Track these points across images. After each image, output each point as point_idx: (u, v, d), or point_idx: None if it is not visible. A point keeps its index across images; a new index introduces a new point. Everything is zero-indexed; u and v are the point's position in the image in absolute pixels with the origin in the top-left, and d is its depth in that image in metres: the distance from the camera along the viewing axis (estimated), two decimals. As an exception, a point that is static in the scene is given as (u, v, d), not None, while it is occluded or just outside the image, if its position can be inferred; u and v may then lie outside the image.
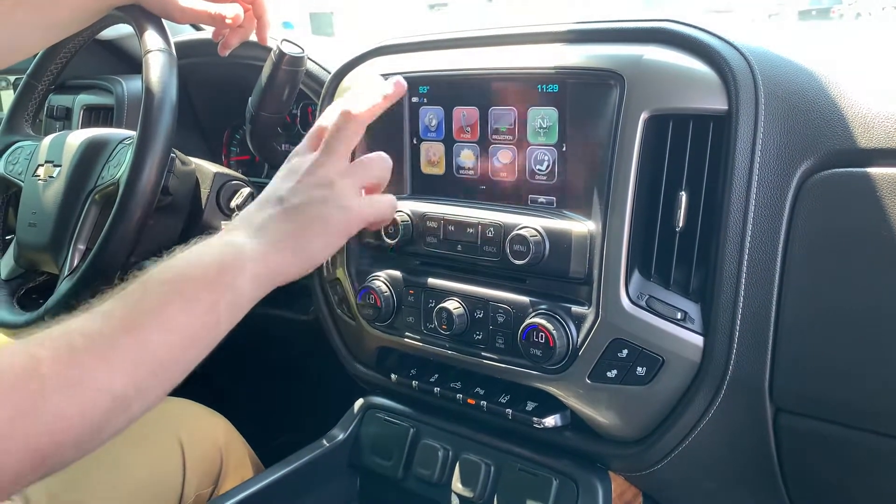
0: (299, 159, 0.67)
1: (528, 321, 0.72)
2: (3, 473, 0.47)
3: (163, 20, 0.89)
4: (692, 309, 0.67)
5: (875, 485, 0.66)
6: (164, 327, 0.54)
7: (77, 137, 0.95)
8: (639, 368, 0.68)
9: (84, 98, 1.31)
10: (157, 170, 0.82)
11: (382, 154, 0.71)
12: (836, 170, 0.60)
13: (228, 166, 1.32)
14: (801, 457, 0.67)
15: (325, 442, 0.90)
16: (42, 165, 0.97)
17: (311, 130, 0.70)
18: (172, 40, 0.88)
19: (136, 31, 0.89)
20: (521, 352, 0.73)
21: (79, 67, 1.26)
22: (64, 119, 1.33)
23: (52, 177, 0.94)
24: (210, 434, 0.96)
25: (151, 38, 0.87)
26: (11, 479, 0.48)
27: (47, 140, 0.99)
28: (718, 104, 0.64)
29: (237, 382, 1.41)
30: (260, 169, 1.26)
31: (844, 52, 0.73)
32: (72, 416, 0.49)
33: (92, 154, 0.92)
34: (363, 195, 0.68)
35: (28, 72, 1.08)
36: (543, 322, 0.71)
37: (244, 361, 1.43)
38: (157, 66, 0.84)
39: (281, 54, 0.91)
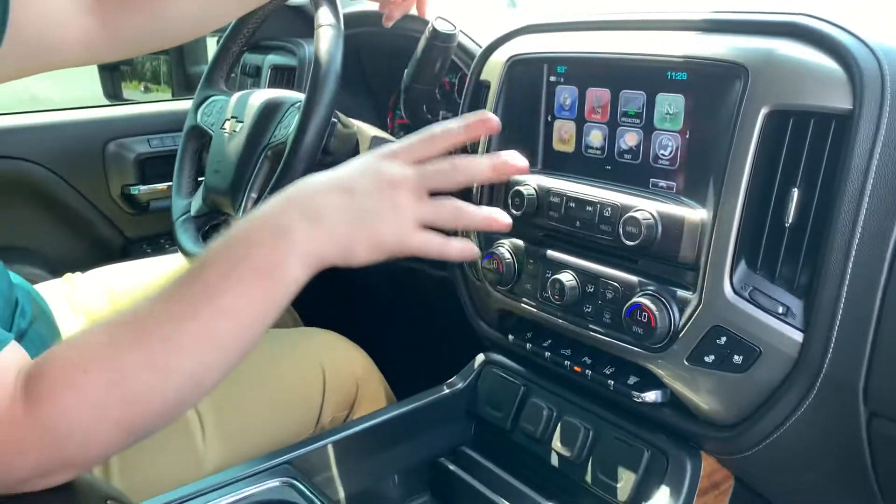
0: (386, 164, 0.63)
1: (633, 300, 0.76)
2: (95, 444, 0.57)
3: None
4: (795, 304, 0.68)
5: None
6: (226, 314, 0.58)
7: (258, 98, 1.08)
8: (736, 356, 0.70)
9: (272, 58, 1.46)
10: (318, 133, 0.93)
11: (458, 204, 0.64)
12: (959, 179, 0.58)
13: (392, 129, 1.43)
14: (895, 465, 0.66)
15: (445, 388, 0.99)
16: (228, 120, 1.11)
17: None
18: (342, 13, 0.98)
19: (312, 6, 1.00)
20: (624, 328, 0.77)
21: (271, 29, 1.40)
22: (255, 77, 1.49)
23: (235, 131, 1.09)
24: (350, 365, 1.08)
25: (324, 13, 0.97)
26: (101, 449, 0.58)
27: (235, 97, 1.14)
28: (842, 103, 0.63)
29: (381, 323, 1.55)
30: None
31: None
32: (151, 395, 0.57)
33: (268, 114, 1.05)
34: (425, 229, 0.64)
35: (225, 34, 1.24)
36: (647, 302, 0.75)
37: (389, 306, 1.57)
38: (327, 40, 0.95)
39: (434, 31, 0.98)
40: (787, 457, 0.73)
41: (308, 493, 0.79)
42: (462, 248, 0.66)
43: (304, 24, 1.55)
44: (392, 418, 0.93)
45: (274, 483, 0.80)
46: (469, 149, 0.98)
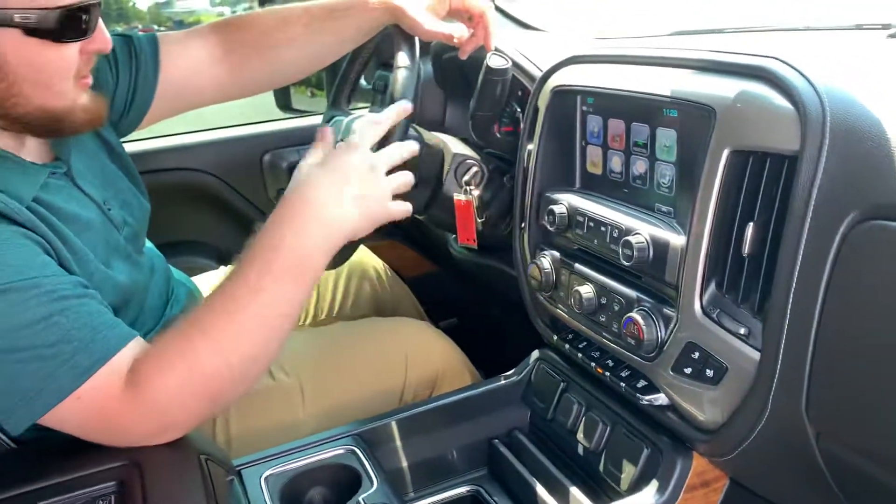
0: (358, 156, 0.93)
1: (628, 314, 0.85)
2: (188, 412, 0.79)
3: (415, 38, 1.14)
4: (757, 327, 0.74)
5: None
6: (267, 306, 0.80)
7: (357, 125, 1.26)
8: (708, 370, 0.78)
9: (396, 75, 1.64)
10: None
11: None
12: (879, 221, 0.62)
13: (498, 135, 1.55)
14: (849, 481, 0.71)
15: (502, 379, 1.13)
16: (340, 141, 1.31)
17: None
18: (418, 55, 1.13)
19: (394, 47, 1.16)
20: (622, 338, 0.87)
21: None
22: (383, 93, 1.68)
23: (342, 152, 1.28)
24: (431, 350, 1.25)
25: (401, 56, 1.12)
26: (194, 415, 0.80)
27: (344, 121, 1.33)
28: (791, 145, 0.68)
29: (473, 313, 1.73)
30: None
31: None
32: (221, 372, 0.78)
33: (360, 140, 1.22)
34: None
35: (345, 62, 1.44)
36: (638, 317, 0.84)
37: (479, 298, 1.74)
38: (400, 80, 1.10)
39: (488, 68, 1.10)
40: (762, 461, 0.79)
41: (365, 460, 0.97)
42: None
43: (426, 42, 1.72)
44: (451, 402, 1.09)
45: (340, 451, 0.99)
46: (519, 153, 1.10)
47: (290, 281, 0.81)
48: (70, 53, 0.82)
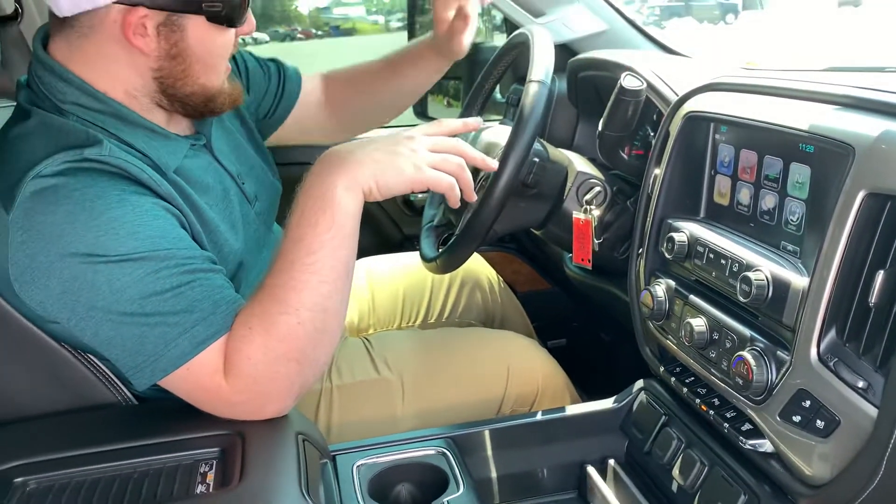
0: (404, 132, 0.93)
1: (739, 352, 0.82)
2: (279, 377, 0.83)
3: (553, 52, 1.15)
4: (878, 382, 0.69)
5: None
6: (311, 250, 0.82)
7: (486, 136, 1.29)
8: (818, 421, 0.73)
9: (530, 91, 1.65)
10: (513, 171, 1.09)
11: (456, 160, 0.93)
12: None
13: (626, 157, 1.53)
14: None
15: (602, 405, 1.11)
16: (466, 151, 1.34)
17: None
18: (552, 71, 1.14)
19: (529, 61, 1.17)
20: (731, 377, 0.83)
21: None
22: (516, 106, 1.70)
23: (468, 161, 1.31)
24: (535, 368, 1.24)
25: (536, 70, 1.13)
26: (287, 381, 0.83)
27: (473, 134, 1.36)
28: (936, 192, 0.64)
29: (582, 335, 1.70)
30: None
31: None
32: (295, 329, 0.82)
33: (486, 151, 1.24)
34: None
35: (480, 76, 1.47)
36: (748, 357, 0.80)
37: (590, 320, 1.71)
38: (531, 94, 1.11)
39: (621, 87, 1.09)
40: (870, 528, 0.74)
41: (454, 464, 0.98)
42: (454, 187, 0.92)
43: (563, 59, 1.72)
44: (547, 420, 1.08)
45: (431, 451, 1.01)
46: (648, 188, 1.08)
47: (322, 221, 0.83)
48: (231, 37, 0.93)
